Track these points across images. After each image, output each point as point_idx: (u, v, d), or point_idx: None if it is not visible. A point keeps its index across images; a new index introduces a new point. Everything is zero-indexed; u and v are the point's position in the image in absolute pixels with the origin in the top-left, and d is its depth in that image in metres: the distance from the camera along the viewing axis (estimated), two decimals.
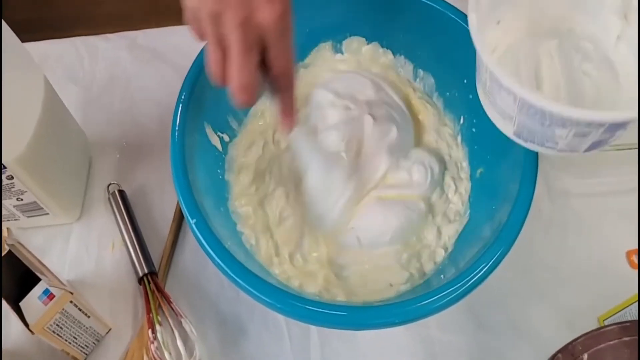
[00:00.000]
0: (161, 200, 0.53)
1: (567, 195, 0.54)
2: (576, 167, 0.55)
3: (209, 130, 0.46)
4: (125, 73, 0.62)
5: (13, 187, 0.44)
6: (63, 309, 0.40)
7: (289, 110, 0.38)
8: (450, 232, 0.45)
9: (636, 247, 0.50)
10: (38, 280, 0.39)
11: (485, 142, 0.47)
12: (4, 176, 0.43)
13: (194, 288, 0.49)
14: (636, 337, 0.36)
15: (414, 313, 0.35)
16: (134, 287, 0.49)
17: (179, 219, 0.52)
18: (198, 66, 0.44)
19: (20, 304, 0.38)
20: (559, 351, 0.36)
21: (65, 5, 0.66)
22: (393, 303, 0.36)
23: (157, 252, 0.50)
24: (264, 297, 0.35)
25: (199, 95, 0.44)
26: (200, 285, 0.49)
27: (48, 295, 0.39)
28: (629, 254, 0.51)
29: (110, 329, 0.47)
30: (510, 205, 0.39)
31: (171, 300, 0.47)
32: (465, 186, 0.48)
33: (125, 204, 0.52)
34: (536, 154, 0.40)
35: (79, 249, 0.51)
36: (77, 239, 0.52)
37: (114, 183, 0.53)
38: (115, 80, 0.61)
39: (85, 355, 0.45)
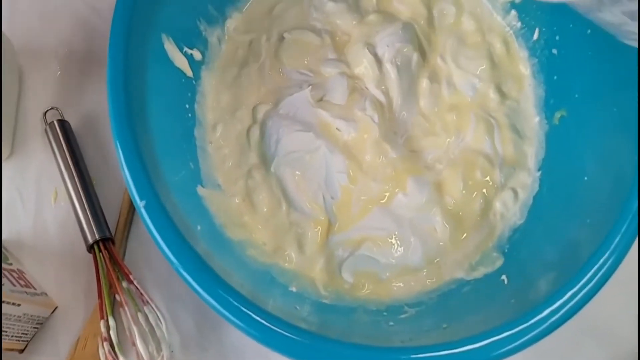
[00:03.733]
0: None
1: None
2: None
3: (169, 46, 0.31)
4: None
5: None
6: None
7: None
8: (507, 206, 0.32)
9: None
10: None
11: (572, 68, 0.32)
12: None
13: (162, 257, 0.37)
14: None
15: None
16: (84, 252, 0.38)
17: None
18: None
19: None
20: None
21: None
22: (436, 344, 0.24)
23: (113, 208, 0.38)
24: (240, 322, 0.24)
25: None
26: None
27: None
28: None
29: (56, 307, 0.37)
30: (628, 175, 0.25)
31: (132, 277, 0.35)
32: (533, 139, 0.34)
33: (67, 139, 0.38)
34: None
35: (11, 198, 0.39)
36: (8, 185, 0.39)
37: (53, 108, 0.40)
38: None
39: (25, 343, 0.35)
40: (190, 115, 0.33)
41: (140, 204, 0.25)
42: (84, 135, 0.40)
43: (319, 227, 0.32)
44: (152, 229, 0.25)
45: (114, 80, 0.28)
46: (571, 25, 0.32)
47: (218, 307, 0.24)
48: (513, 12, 0.36)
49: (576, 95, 0.32)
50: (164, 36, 0.31)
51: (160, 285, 0.37)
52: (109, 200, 0.38)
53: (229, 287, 0.25)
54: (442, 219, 0.32)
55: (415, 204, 0.32)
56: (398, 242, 0.32)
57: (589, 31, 0.30)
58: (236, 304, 0.24)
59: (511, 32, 0.36)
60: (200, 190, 0.31)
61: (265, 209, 0.32)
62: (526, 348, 0.23)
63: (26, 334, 0.35)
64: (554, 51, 0.34)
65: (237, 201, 0.32)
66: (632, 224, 0.24)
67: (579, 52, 0.31)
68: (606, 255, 0.24)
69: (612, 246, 0.24)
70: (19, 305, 0.32)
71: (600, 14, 0.23)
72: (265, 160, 0.33)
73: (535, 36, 0.35)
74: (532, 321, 0.23)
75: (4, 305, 0.31)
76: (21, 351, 0.36)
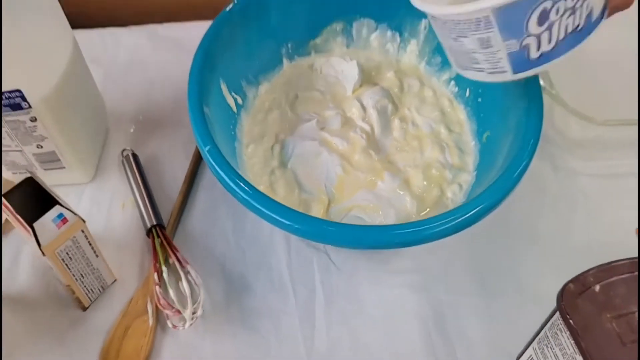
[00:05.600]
0: (172, 168, 0.54)
1: (574, 175, 0.54)
2: (583, 149, 0.56)
3: (224, 88, 0.48)
4: (145, 58, 0.64)
5: (35, 131, 0.46)
6: (74, 237, 0.40)
7: None
8: (455, 194, 0.46)
9: None
10: (54, 205, 0.39)
11: (490, 106, 0.48)
12: (27, 117, 0.45)
13: (200, 248, 0.49)
14: None
15: (415, 235, 0.35)
16: (142, 243, 0.49)
17: (190, 180, 0.53)
18: (219, 21, 0.47)
19: (35, 224, 0.38)
20: (571, 281, 0.35)
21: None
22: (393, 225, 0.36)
23: (166, 213, 0.51)
24: (277, 216, 0.36)
25: (216, 50, 0.46)
26: (207, 245, 0.49)
27: (62, 219, 0.39)
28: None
29: (115, 280, 0.47)
30: (510, 160, 0.40)
31: (177, 250, 0.47)
32: (471, 153, 0.49)
33: (137, 166, 0.53)
34: (539, 110, 0.42)
35: (90, 208, 0.52)
36: (89, 199, 0.52)
37: (128, 149, 0.55)
38: (135, 64, 0.64)
39: (90, 301, 0.45)
40: (232, 133, 0.48)
41: (205, 149, 0.39)
42: (148, 167, 0.54)
43: (322, 204, 0.45)
44: (212, 163, 0.38)
45: (192, 98, 0.43)
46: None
47: (278, 218, 0.36)
48: (452, 82, 0.53)
49: (494, 120, 0.47)
50: (221, 80, 0.48)
51: (198, 267, 0.47)
52: (163, 210, 0.51)
53: (280, 204, 0.37)
54: (410, 199, 0.45)
55: (390, 188, 0.45)
56: (379, 210, 0.44)
57: None
58: (288, 212, 0.37)
59: (451, 94, 0.53)
60: None
61: (282, 193, 0.45)
62: (452, 233, 0.35)
63: (92, 292, 0.45)
64: (479, 100, 0.50)
65: (261, 187, 0.45)
66: (501, 185, 0.38)
67: (494, 95, 0.48)
68: (481, 201, 0.38)
69: (488, 196, 0.38)
70: (97, 256, 0.43)
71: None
72: (284, 163, 0.47)
73: (467, 94, 0.51)
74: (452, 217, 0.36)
75: (89, 249, 0.42)
76: (84, 309, 0.45)
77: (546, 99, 0.53)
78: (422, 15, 0.40)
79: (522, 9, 0.33)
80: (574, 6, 0.33)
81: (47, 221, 0.39)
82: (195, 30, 0.48)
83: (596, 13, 0.35)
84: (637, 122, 0.51)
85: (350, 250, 0.48)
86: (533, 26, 0.33)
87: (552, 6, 0.33)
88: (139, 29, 0.68)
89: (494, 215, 0.50)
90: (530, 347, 0.40)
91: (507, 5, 0.32)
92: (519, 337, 0.43)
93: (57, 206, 0.39)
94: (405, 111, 0.52)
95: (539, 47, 0.34)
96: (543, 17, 0.33)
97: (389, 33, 0.56)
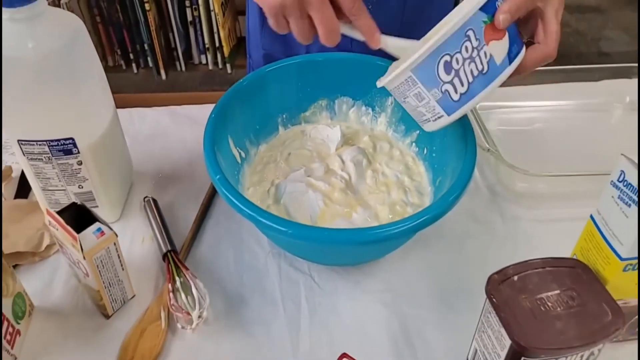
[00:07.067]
0: (185, 212, 0.65)
1: (518, 220, 0.66)
2: (525, 199, 0.68)
3: (231, 142, 0.61)
4: (166, 130, 0.78)
5: (79, 173, 0.58)
6: (108, 247, 0.50)
7: (369, 32, 0.49)
8: None
9: None
10: (94, 222, 0.50)
11: (441, 159, 0.61)
12: (75, 161, 0.57)
13: (206, 273, 0.59)
14: (560, 268, 0.46)
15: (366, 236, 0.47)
16: (157, 269, 0.59)
17: (199, 220, 0.64)
18: (231, 91, 0.61)
19: (80, 234, 0.48)
20: (495, 273, 0.45)
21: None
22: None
23: (179, 245, 0.61)
24: (271, 223, 0.47)
25: (227, 113, 0.60)
26: (211, 271, 0.59)
27: (100, 232, 0.50)
28: None
29: (134, 295, 0.56)
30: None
31: (188, 267, 0.56)
32: (428, 195, 0.61)
33: (157, 207, 0.64)
34: (469, 168, 0.53)
35: None
36: None
37: (148, 196, 0.66)
38: (157, 135, 0.77)
39: (113, 311, 0.54)
40: (236, 178, 0.60)
41: (215, 177, 0.50)
42: (165, 211, 0.65)
43: None
44: (221, 189, 0.50)
45: (207, 141, 0.55)
46: (438, 141, 0.62)
47: (280, 227, 0.47)
48: (413, 144, 0.66)
49: (444, 169, 0.60)
50: (228, 136, 0.61)
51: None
52: (176, 244, 0.61)
53: (277, 216, 0.48)
54: None
55: (362, 218, 0.56)
56: None
57: (445, 139, 0.60)
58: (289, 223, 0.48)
59: (414, 153, 0.66)
60: None
61: None
62: (409, 235, 0.46)
63: (115, 302, 0.54)
64: (434, 155, 0.63)
65: None
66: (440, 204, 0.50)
67: (443, 149, 0.61)
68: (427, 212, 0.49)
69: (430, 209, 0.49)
70: (123, 269, 0.53)
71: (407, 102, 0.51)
72: (277, 200, 0.59)
73: (425, 151, 0.64)
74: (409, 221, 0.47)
75: (117, 261, 0.52)
76: (108, 317, 0.54)
77: (491, 158, 0.67)
78: (388, 93, 0.53)
79: (429, 64, 0.45)
80: (470, 56, 0.45)
81: (89, 233, 0.49)
82: (208, 110, 0.59)
83: (499, 59, 0.47)
84: (564, 174, 0.64)
85: (330, 272, 0.58)
86: (443, 75, 0.46)
87: (451, 58, 0.45)
88: (161, 108, 0.82)
89: (453, 249, 0.61)
90: (474, 340, 0.48)
91: (417, 64, 0.45)
92: (470, 342, 0.52)
93: (97, 222, 0.50)
94: (377, 165, 0.64)
95: (456, 91, 0.47)
96: (448, 68, 0.45)
97: (363, 108, 0.70)
